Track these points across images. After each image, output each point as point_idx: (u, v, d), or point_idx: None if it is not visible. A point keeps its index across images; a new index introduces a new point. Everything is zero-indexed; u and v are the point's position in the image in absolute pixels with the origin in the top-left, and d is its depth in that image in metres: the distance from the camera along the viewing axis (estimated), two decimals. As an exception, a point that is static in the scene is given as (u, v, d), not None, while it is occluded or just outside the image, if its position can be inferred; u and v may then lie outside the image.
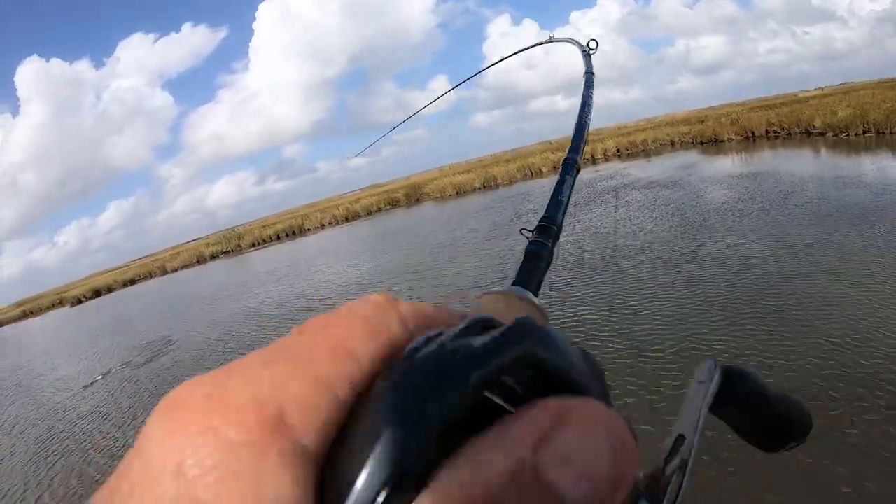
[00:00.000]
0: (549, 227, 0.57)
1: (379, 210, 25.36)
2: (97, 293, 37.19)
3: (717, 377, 0.29)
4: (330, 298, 10.22)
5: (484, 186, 22.76)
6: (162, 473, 0.12)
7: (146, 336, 12.72)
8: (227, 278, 20.32)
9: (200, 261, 32.19)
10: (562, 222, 0.60)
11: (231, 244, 31.28)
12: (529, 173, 22.88)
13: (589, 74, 1.11)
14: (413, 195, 24.89)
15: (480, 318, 0.19)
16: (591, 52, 1.22)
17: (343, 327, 0.17)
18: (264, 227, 29.58)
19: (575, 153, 0.76)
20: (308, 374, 0.15)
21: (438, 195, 23.17)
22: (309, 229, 27.20)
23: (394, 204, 25.24)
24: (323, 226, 26.46)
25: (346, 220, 25.86)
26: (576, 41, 1.26)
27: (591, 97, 1.02)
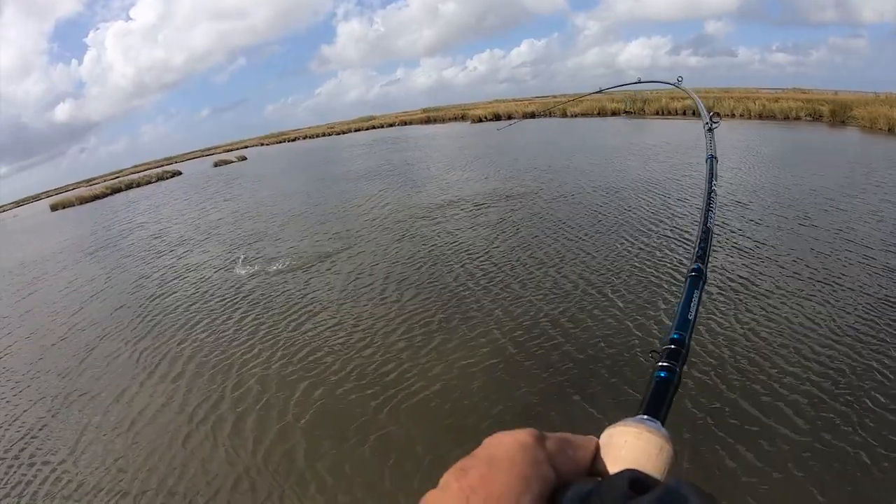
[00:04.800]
0: (678, 351, 0.58)
1: (798, 118, 25.23)
2: (497, 117, 46.34)
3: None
4: (728, 198, 10.72)
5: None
6: None
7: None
8: (618, 140, 23.22)
9: (602, 113, 37.70)
10: (689, 344, 0.60)
11: (635, 106, 35.73)
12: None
13: (712, 159, 1.04)
14: (839, 114, 23.57)
15: (632, 476, 0.28)
16: (714, 126, 1.15)
17: (500, 480, 0.21)
18: (672, 98, 32.62)
19: (701, 262, 0.77)
20: None
21: (868, 125, 21.26)
22: (717, 114, 28.95)
23: (815, 117, 24.76)
24: (733, 115, 27.99)
25: (760, 117, 26.79)
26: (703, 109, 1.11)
27: (714, 190, 1.02)
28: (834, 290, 6.51)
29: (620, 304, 6.65)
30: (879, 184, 11.52)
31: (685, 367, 0.55)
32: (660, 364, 0.56)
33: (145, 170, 55.23)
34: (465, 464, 0.27)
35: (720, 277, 7.18)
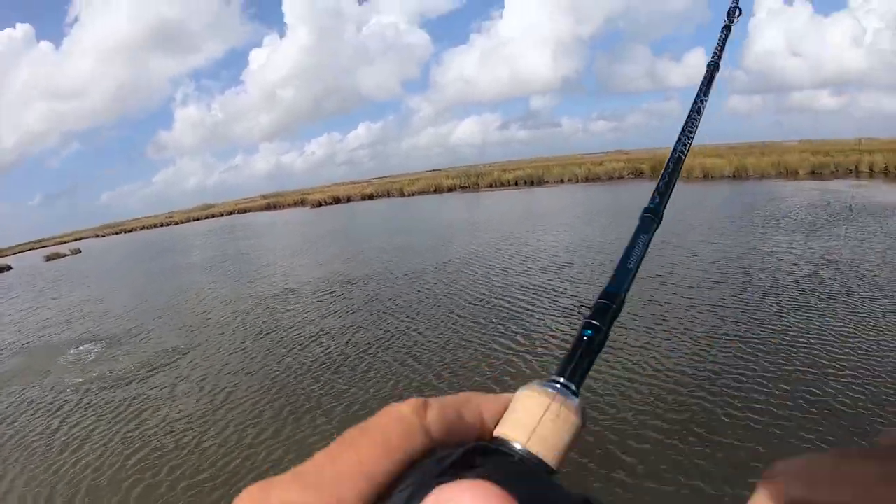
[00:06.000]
0: (608, 307, 0.51)
1: (621, 178, 26.91)
2: (337, 200, 45.49)
3: None
4: (553, 261, 11.27)
5: (734, 176, 22.88)
6: None
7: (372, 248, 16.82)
8: (459, 214, 23.48)
9: (438, 190, 37.52)
10: (625, 297, 0.52)
11: (469, 181, 35.93)
12: (784, 172, 22.11)
13: (712, 66, 0.77)
14: (658, 169, 26.03)
15: (477, 446, 0.29)
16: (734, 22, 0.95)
17: (366, 447, 0.23)
18: (504, 170, 33.48)
19: (658, 201, 0.60)
20: (331, 498, 0.21)
21: (684, 175, 23.28)
22: (547, 181, 30.23)
23: (637, 174, 26.65)
24: (562, 181, 29.05)
25: (587, 180, 28.03)
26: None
27: (703, 107, 0.72)
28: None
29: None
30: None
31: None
32: (587, 320, 0.47)
33: None
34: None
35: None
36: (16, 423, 7.62)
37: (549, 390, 0.38)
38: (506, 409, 0.36)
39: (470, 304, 9.16)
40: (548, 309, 8.29)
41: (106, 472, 5.75)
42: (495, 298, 9.22)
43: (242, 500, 0.22)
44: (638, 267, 0.54)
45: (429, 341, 7.81)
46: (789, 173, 21.82)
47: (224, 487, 4.99)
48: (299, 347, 8.68)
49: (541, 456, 0.32)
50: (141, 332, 11.63)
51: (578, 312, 0.49)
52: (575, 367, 0.42)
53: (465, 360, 6.91)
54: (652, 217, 0.59)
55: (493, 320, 8.11)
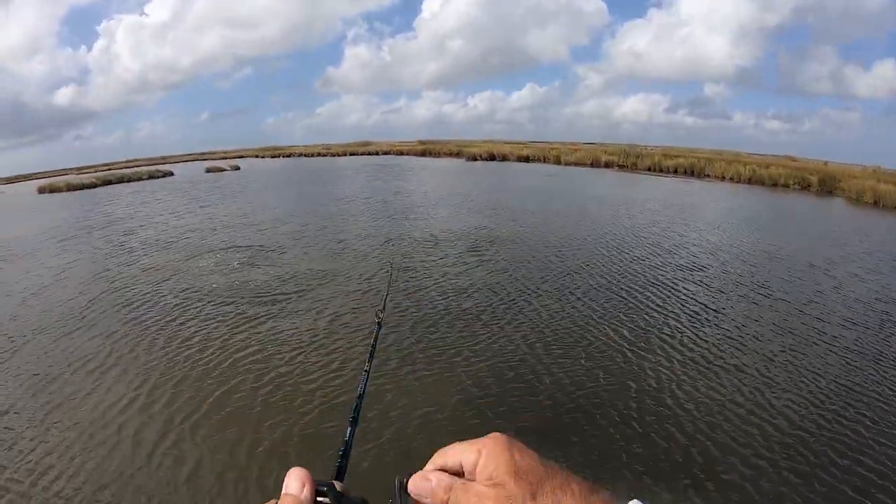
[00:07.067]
0: None
1: (786, 186, 26.03)
2: (492, 157, 47.21)
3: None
4: (691, 261, 11.40)
5: None
6: None
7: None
8: (613, 191, 24.21)
9: (595, 164, 38.22)
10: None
11: (628, 160, 36.48)
12: None
13: None
14: (827, 184, 24.57)
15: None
16: None
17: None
18: (665, 155, 33.21)
19: None
20: None
21: (854, 196, 22.26)
22: (708, 175, 30.29)
23: (804, 186, 25.62)
24: (723, 178, 28.91)
25: (749, 181, 27.59)
26: None
27: None
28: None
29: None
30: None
31: None
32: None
33: (138, 166, 54.41)
34: None
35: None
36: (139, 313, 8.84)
37: None
38: None
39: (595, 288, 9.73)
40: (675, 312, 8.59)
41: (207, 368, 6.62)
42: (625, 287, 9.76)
43: None
44: None
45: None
46: None
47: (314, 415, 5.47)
48: (435, 295, 9.20)
49: None
50: (279, 250, 12.72)
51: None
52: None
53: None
54: None
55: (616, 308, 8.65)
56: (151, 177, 39.71)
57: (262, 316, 8.39)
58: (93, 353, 7.35)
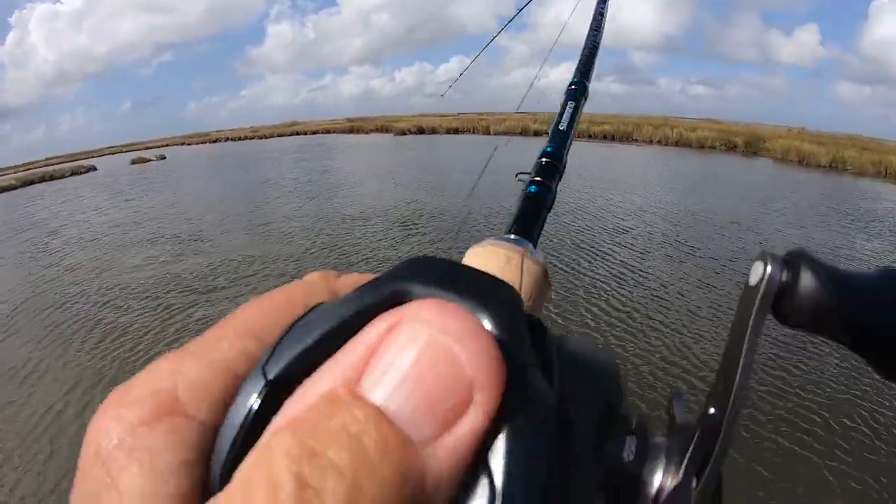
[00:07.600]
0: (551, 166, 0.54)
1: (713, 148, 26.11)
2: (421, 130, 45.87)
3: (767, 276, 0.20)
4: (618, 224, 11.11)
5: (829, 166, 21.44)
6: (89, 455, 0.17)
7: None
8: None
9: (524, 133, 37.26)
10: (566, 158, 0.56)
11: None
12: (884, 171, 20.62)
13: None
14: (752, 145, 24.85)
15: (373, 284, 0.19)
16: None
17: (256, 309, 0.21)
18: (592, 123, 32.87)
19: (584, 75, 0.71)
20: (204, 360, 0.19)
21: (779, 156, 22.64)
22: (636, 139, 29.91)
23: (730, 147, 25.77)
24: (650, 142, 28.71)
25: (677, 144, 27.53)
26: None
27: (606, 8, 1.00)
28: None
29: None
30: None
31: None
32: (531, 180, 0.52)
33: (59, 163, 50.74)
34: None
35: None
36: (65, 310, 8.37)
37: (506, 243, 0.39)
38: None
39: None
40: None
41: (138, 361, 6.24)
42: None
43: (113, 393, 0.19)
44: (573, 131, 0.59)
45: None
46: (889, 174, 20.29)
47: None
48: (365, 269, 9.29)
49: None
50: (207, 239, 12.08)
51: (517, 178, 0.52)
52: (529, 223, 0.45)
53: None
54: (581, 88, 0.69)
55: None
56: (74, 173, 36.84)
57: (194, 305, 8.08)
58: (21, 362, 6.76)
